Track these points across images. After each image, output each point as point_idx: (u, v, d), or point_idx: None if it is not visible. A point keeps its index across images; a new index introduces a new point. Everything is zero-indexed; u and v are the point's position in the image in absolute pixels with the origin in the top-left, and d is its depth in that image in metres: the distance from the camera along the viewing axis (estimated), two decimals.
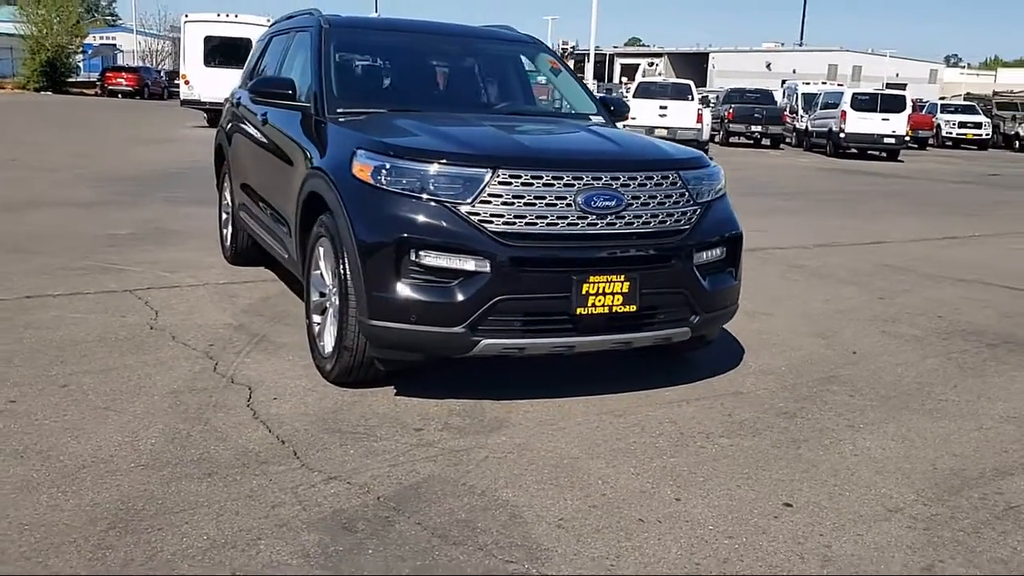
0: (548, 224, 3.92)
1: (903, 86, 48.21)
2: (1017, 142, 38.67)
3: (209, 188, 11.77)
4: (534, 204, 3.90)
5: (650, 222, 4.11)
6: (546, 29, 58.45)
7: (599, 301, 3.96)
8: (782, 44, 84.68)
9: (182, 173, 13.64)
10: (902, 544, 3.05)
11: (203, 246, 7.68)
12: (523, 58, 6.02)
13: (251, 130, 5.95)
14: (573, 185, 3.96)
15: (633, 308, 4.04)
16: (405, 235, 3.85)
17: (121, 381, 4.28)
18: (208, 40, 24.54)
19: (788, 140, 31.93)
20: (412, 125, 4.47)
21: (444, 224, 3.87)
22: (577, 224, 3.96)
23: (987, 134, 38.01)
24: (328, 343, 4.39)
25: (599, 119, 5.47)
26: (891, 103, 27.32)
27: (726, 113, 30.49)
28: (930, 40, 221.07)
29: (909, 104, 28.19)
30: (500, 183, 3.89)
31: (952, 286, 7.56)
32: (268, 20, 24.23)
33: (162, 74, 54.00)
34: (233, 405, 4.03)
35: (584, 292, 3.93)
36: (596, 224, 3.98)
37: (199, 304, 5.75)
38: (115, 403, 3.99)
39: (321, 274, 4.49)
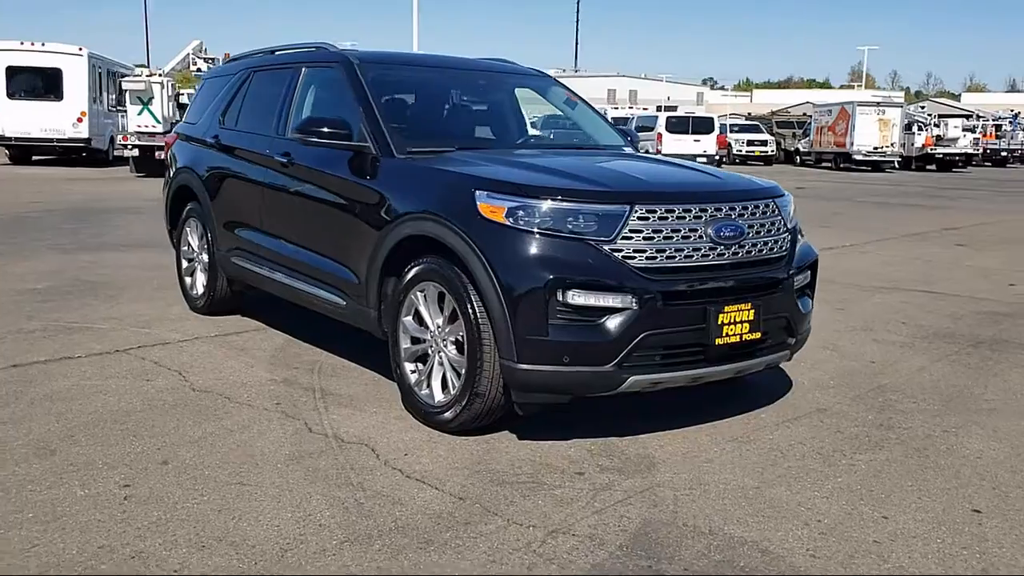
0: (685, 256, 3.95)
1: (675, 107, 51.42)
2: (798, 157, 42.25)
3: (88, 234, 10.95)
4: (672, 237, 3.93)
5: (763, 250, 4.22)
6: None
7: (731, 330, 4.03)
8: (564, 70, 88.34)
9: (32, 218, 12.47)
10: None
11: (146, 297, 7.10)
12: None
13: (259, 171, 5.55)
14: (701, 217, 4.02)
15: (758, 335, 4.14)
16: (554, 276, 3.76)
17: (223, 451, 3.90)
18: (11, 70, 22.52)
19: None
20: (511, 162, 4.39)
21: (590, 262, 3.81)
22: (708, 255, 4.01)
23: (772, 151, 41.24)
24: (437, 391, 4.21)
25: (629, 150, 5.55)
26: (701, 125, 29.19)
27: None
28: (690, 65, 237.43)
29: (717, 126, 30.19)
30: (639, 218, 3.88)
31: (883, 294, 8.18)
32: (80, 49, 22.66)
33: None
34: (369, 466, 3.78)
35: (719, 322, 3.98)
36: (724, 255, 4.06)
37: (215, 361, 5.32)
38: (242, 476, 3.64)
39: (417, 320, 4.30)
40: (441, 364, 4.22)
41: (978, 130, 43.95)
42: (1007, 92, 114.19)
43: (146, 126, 19.68)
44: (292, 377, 5.02)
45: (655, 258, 3.88)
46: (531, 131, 6.10)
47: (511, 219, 3.87)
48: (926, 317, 7.15)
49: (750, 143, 40.94)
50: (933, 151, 38.73)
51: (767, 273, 4.22)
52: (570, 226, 3.85)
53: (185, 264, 6.69)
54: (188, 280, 6.65)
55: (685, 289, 3.93)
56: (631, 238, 3.86)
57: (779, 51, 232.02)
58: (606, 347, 3.80)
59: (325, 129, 4.64)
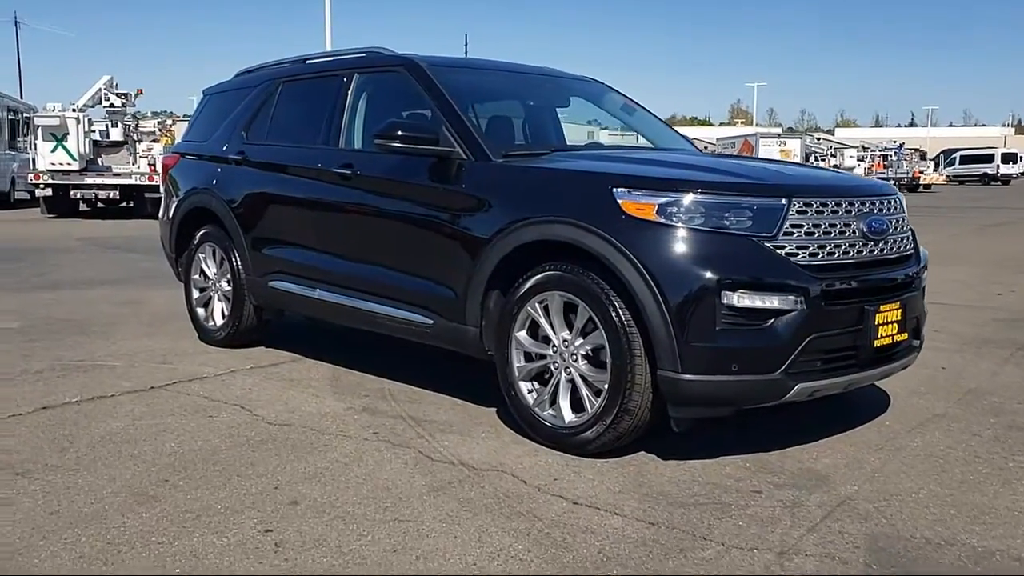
0: (843, 253, 3.71)
1: None
2: None
3: (31, 272, 10.14)
4: (830, 232, 3.68)
5: (901, 247, 4.03)
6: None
7: (885, 331, 3.80)
8: None
9: None
10: None
11: (144, 332, 6.48)
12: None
13: (310, 185, 5.06)
14: (851, 212, 3.79)
15: (905, 336, 3.93)
16: (720, 276, 3.45)
17: (351, 487, 3.44)
18: None
19: None
20: (631, 159, 4.12)
21: (755, 260, 3.52)
22: (862, 252, 3.78)
23: None
24: (566, 411, 3.83)
25: None
26: None
27: None
28: None
29: None
30: (798, 212, 3.63)
31: None
32: None
33: None
34: (525, 494, 3.38)
35: (876, 323, 3.75)
36: (873, 251, 3.84)
37: (273, 393, 4.80)
38: (392, 512, 3.20)
39: (532, 334, 3.94)
40: (570, 381, 3.85)
41: (867, 160, 45.96)
42: (873, 127, 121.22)
43: (61, 164, 18.50)
44: (370, 406, 4.55)
45: (817, 255, 3.63)
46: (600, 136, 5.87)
47: (662, 216, 3.56)
48: (953, 325, 7.12)
49: None
50: None
51: (907, 271, 4.02)
52: (726, 222, 3.56)
53: (197, 294, 6.11)
54: (201, 311, 6.07)
55: (846, 288, 3.68)
56: (792, 234, 3.60)
57: (662, 91, 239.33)
58: (776, 352, 3.50)
59: (409, 134, 4.25)
